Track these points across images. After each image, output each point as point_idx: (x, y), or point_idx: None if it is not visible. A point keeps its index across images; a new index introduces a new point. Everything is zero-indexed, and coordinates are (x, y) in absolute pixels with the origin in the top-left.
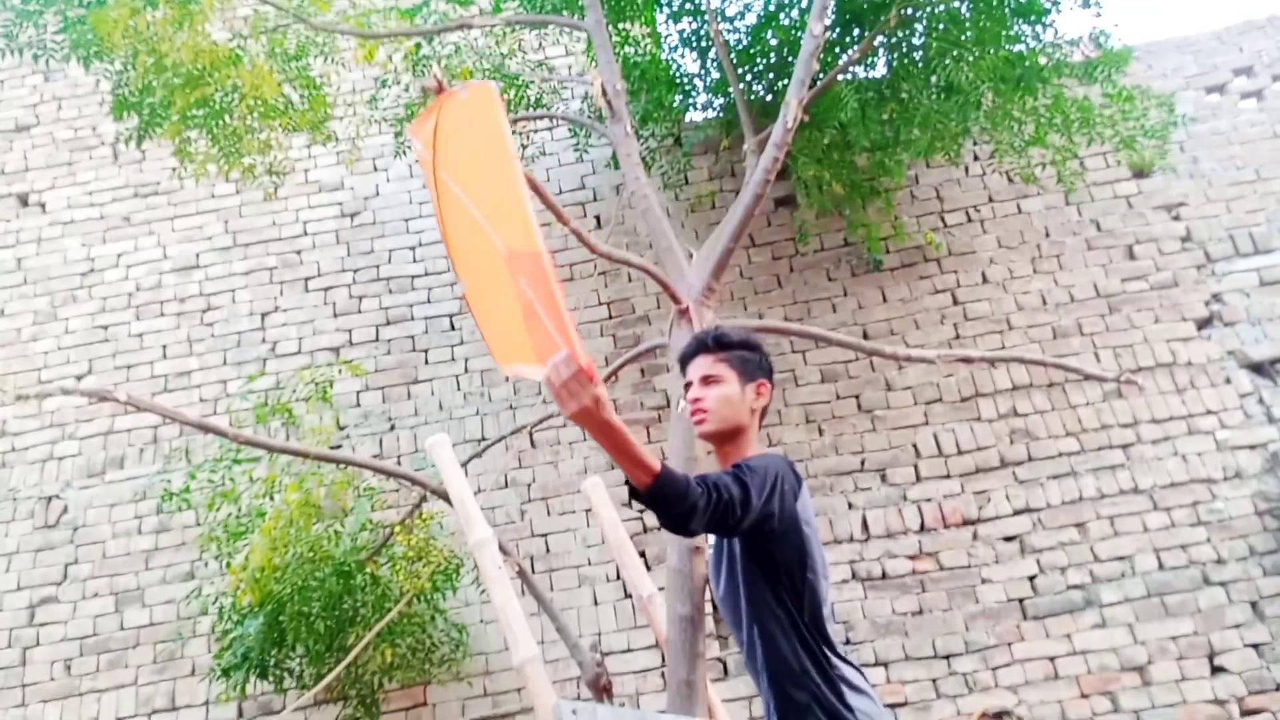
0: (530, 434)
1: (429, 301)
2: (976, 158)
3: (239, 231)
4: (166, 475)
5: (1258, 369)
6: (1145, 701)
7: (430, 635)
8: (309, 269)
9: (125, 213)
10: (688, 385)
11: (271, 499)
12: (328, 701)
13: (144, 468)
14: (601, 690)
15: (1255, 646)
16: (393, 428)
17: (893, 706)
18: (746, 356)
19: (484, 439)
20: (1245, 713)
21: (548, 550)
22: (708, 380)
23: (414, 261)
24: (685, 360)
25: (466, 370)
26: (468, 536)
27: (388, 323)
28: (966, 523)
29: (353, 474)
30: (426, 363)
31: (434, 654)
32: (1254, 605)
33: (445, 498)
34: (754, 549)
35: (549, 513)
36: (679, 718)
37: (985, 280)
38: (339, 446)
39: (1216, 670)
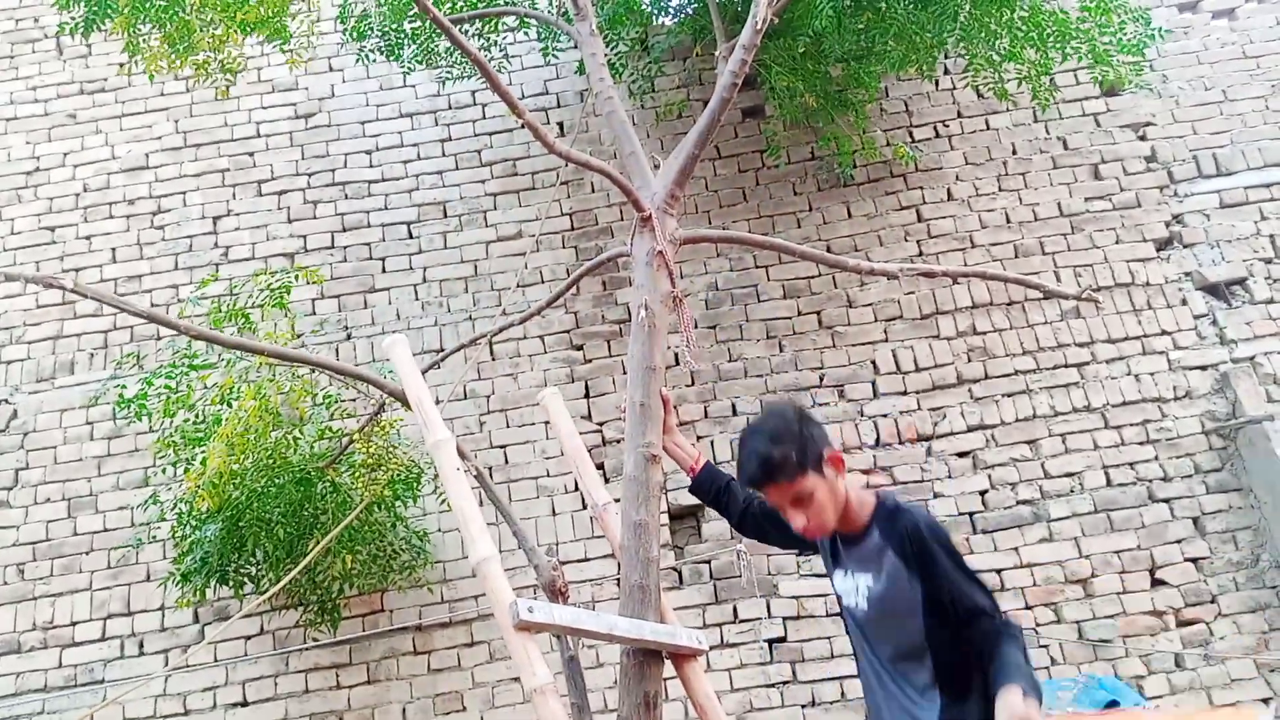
0: (490, 345)
1: (386, 208)
2: (947, 71)
3: (190, 132)
4: (119, 381)
5: (1213, 291)
6: (1087, 613)
7: (390, 543)
8: (262, 172)
9: (71, 110)
10: (777, 506)
11: (229, 405)
12: (287, 607)
13: (95, 373)
14: (557, 594)
15: (1194, 561)
16: (349, 336)
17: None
18: (804, 452)
19: (442, 349)
20: (1181, 623)
21: (506, 461)
22: (798, 503)
23: (370, 166)
24: (756, 486)
25: (425, 280)
26: (426, 437)
27: (344, 229)
28: (921, 438)
29: (310, 381)
30: (384, 271)
31: (394, 561)
32: (1195, 521)
33: (404, 400)
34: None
35: (507, 424)
36: (634, 619)
37: (950, 197)
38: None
39: (1157, 583)
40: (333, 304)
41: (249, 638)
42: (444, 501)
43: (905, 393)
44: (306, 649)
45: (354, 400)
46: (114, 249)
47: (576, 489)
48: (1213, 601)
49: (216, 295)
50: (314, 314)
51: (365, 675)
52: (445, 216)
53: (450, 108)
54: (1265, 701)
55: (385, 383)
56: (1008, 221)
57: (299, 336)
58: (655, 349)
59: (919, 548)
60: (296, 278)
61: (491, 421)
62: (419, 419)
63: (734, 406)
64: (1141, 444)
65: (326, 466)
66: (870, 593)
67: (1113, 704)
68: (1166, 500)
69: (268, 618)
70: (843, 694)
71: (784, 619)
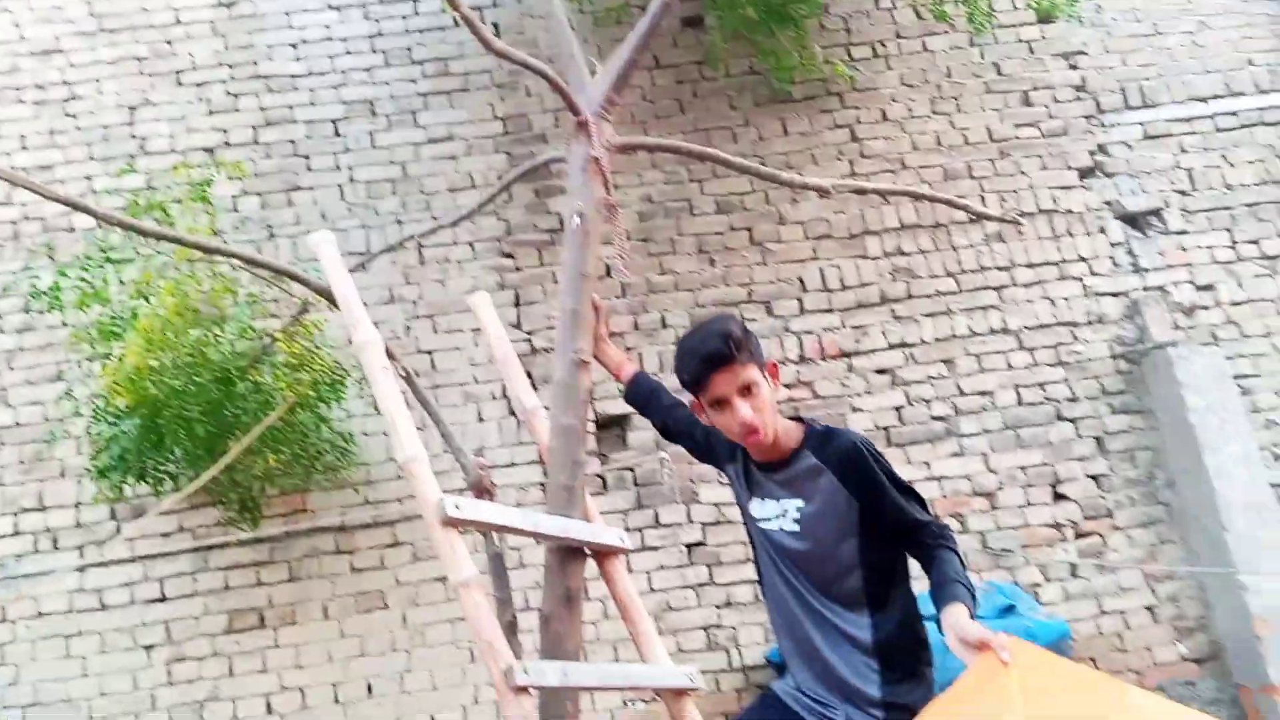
0: (418, 248)
1: (312, 104)
2: None
3: (104, 15)
4: (32, 273)
5: (1131, 220)
6: (991, 524)
7: (314, 444)
8: (181, 61)
9: None
10: (719, 402)
11: (147, 301)
12: (207, 505)
13: (4, 264)
14: (484, 493)
15: (1095, 478)
16: (272, 235)
17: None
18: (755, 345)
19: (369, 253)
20: (1079, 535)
21: (434, 367)
22: (747, 392)
23: (296, 60)
24: (708, 370)
25: (351, 180)
26: (353, 336)
27: (266, 124)
28: (843, 355)
29: (232, 279)
30: (309, 169)
31: (317, 462)
32: (1099, 440)
33: (330, 298)
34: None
35: (435, 330)
36: (560, 517)
37: (885, 118)
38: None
39: (1059, 498)
40: (255, 201)
41: (167, 535)
42: (370, 403)
43: (830, 310)
44: (226, 547)
45: (276, 301)
46: (23, 136)
47: (504, 395)
48: (1109, 516)
49: (134, 188)
50: (235, 211)
51: (287, 573)
52: (373, 115)
53: (381, 1)
54: None
55: (311, 279)
56: (939, 145)
57: (219, 233)
58: (588, 256)
59: (859, 469)
60: (217, 171)
61: (419, 327)
62: (345, 318)
63: (663, 320)
64: (1052, 366)
65: (248, 366)
66: (801, 515)
67: (1009, 609)
68: (1073, 420)
69: (187, 515)
70: (756, 596)
71: (703, 525)
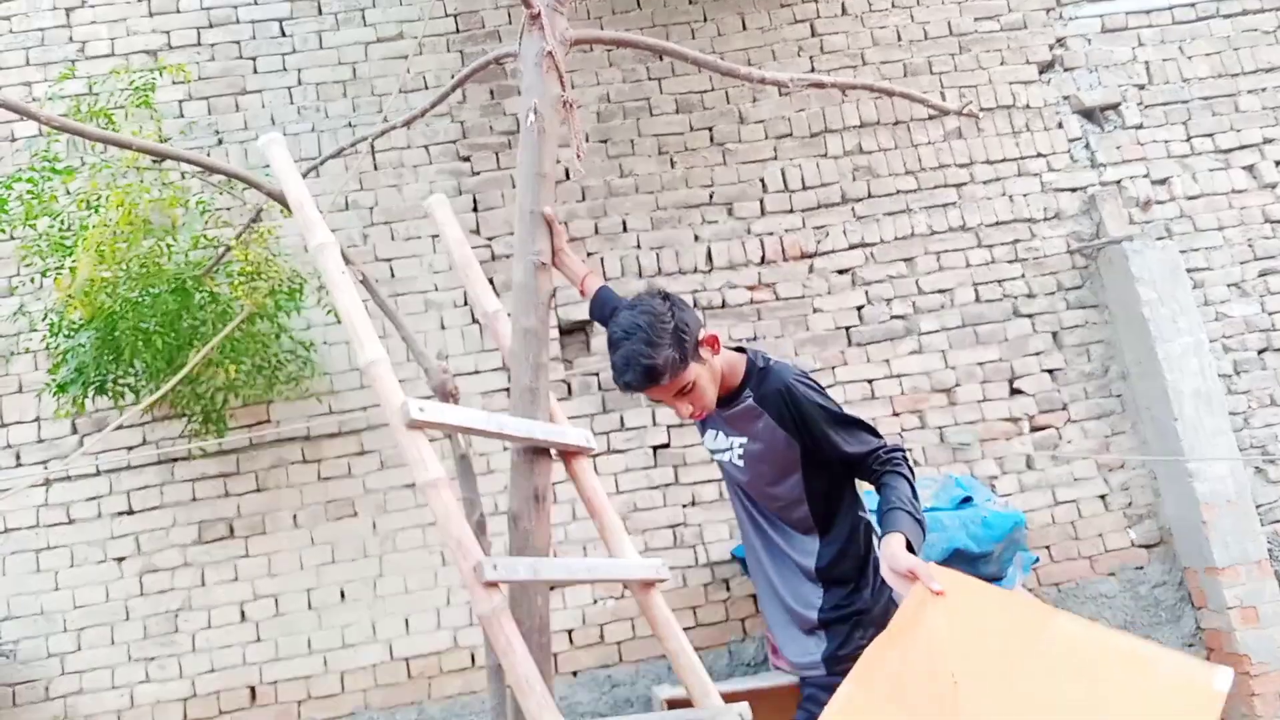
0: (372, 151)
1: (255, 3)
2: None
3: None
4: None
5: (1088, 115)
6: (950, 419)
7: (275, 354)
8: None
9: None
10: (657, 401)
11: (95, 212)
12: (171, 418)
13: None
14: (448, 396)
15: (1050, 372)
16: (220, 141)
17: None
18: (683, 346)
19: (320, 157)
20: (1034, 429)
21: (392, 275)
22: (682, 395)
23: None
24: (633, 391)
25: (300, 83)
26: (308, 241)
27: (210, 25)
28: (804, 256)
29: (182, 188)
30: (255, 72)
31: (279, 372)
32: (1054, 335)
33: (283, 202)
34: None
35: (393, 237)
36: (524, 419)
37: (844, 12)
38: (163, 160)
39: (1015, 392)
40: (201, 106)
41: (131, 448)
42: (330, 312)
43: (791, 211)
44: (192, 459)
45: (229, 209)
46: None
47: (466, 303)
48: (1064, 409)
49: (75, 95)
50: (181, 116)
51: (254, 484)
52: (320, 14)
53: None
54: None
55: (263, 182)
56: (899, 39)
57: (166, 140)
58: (545, 155)
59: (793, 409)
60: (161, 75)
61: (376, 234)
62: (299, 221)
63: (624, 223)
64: (1010, 262)
65: (204, 275)
66: (745, 451)
67: (966, 500)
68: (1029, 316)
69: (150, 428)
70: (720, 494)
71: (668, 427)
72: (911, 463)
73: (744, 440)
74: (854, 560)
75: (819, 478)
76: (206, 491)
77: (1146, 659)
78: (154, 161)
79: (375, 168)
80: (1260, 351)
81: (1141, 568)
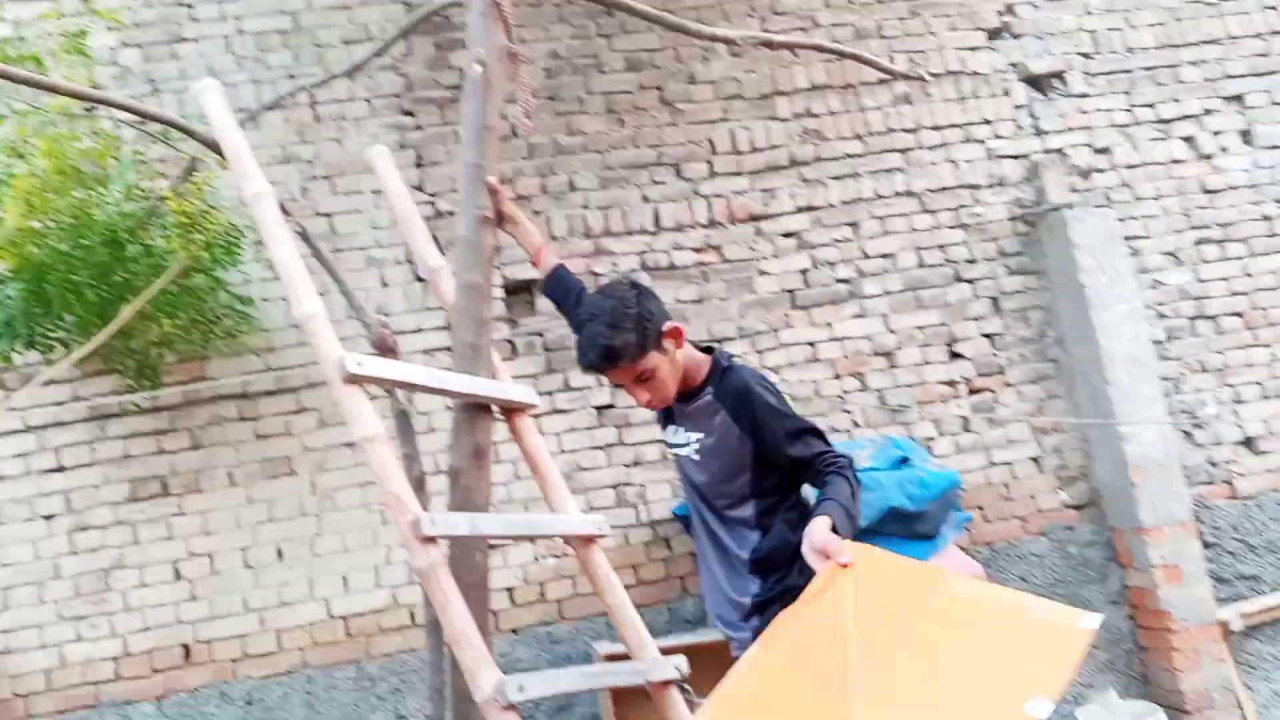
0: (312, 104)
1: None
2: None
3: None
4: None
5: (1034, 83)
6: (890, 381)
7: (211, 308)
8: None
9: None
10: (617, 384)
11: (24, 160)
12: (103, 372)
13: None
14: (388, 353)
15: (989, 336)
16: (155, 90)
17: None
18: (644, 333)
19: (266, 105)
20: (972, 392)
21: (333, 231)
22: (640, 382)
23: None
24: (594, 372)
25: (240, 31)
26: (244, 190)
27: None
28: (752, 218)
29: (114, 137)
30: (192, 19)
31: (215, 327)
32: (994, 301)
33: (218, 151)
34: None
35: (334, 191)
36: (466, 375)
37: None
38: (94, 108)
39: (954, 356)
40: (135, 54)
41: (61, 404)
42: (268, 267)
43: (740, 173)
44: (125, 415)
45: (164, 160)
46: None
47: (409, 260)
48: (1001, 373)
49: (2, 37)
50: (115, 64)
51: (189, 441)
52: None
53: None
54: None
55: (198, 130)
56: (850, 2)
57: (99, 88)
58: (490, 107)
59: (748, 409)
60: (93, 20)
61: (316, 188)
62: (235, 170)
63: (571, 182)
64: (953, 228)
65: (137, 227)
66: (701, 447)
67: (904, 460)
68: (970, 281)
69: (82, 384)
70: (663, 455)
71: (612, 387)
72: (856, 471)
73: (701, 436)
74: (789, 550)
75: (767, 478)
76: (140, 449)
77: (1022, 607)
78: (86, 109)
79: (316, 120)
80: (1192, 319)
81: (1071, 528)
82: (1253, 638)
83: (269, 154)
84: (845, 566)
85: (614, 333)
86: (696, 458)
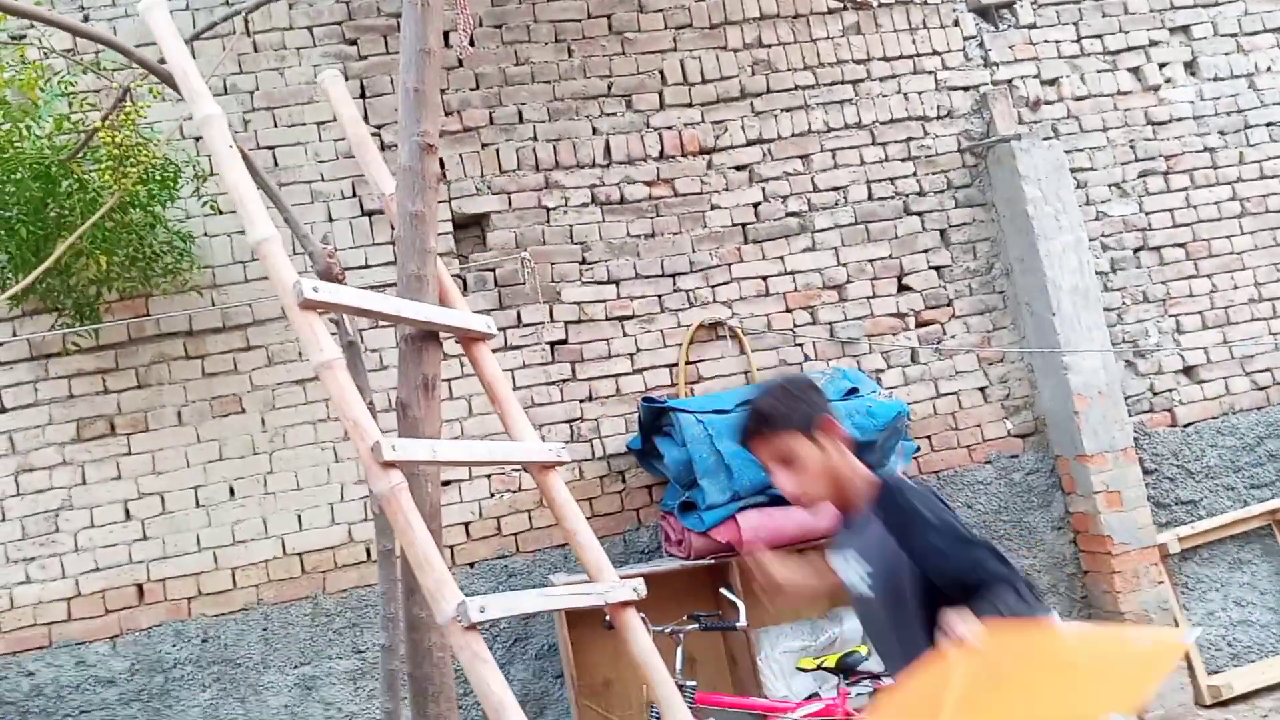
0: (250, 32)
1: None
2: None
3: None
4: None
5: (983, 13)
6: (840, 315)
7: (150, 245)
8: None
9: None
10: (765, 467)
11: None
12: (42, 311)
13: None
14: (334, 281)
15: (937, 269)
16: (86, 19)
17: (621, 320)
18: (793, 410)
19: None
20: (920, 324)
21: (276, 164)
22: (784, 462)
23: None
24: (743, 442)
25: None
26: (194, 112)
27: None
28: (703, 151)
29: (42, 66)
30: None
31: (155, 264)
32: (942, 233)
33: (163, 77)
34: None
35: (276, 123)
36: (422, 303)
37: None
38: (23, 36)
39: (903, 289)
40: None
41: (1, 343)
42: (206, 204)
43: (690, 105)
44: (67, 354)
45: (96, 91)
46: None
47: (355, 194)
48: (949, 305)
49: None
50: None
51: (135, 380)
52: None
53: None
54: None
55: (136, 52)
56: None
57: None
58: (430, 29)
59: (896, 511)
60: None
61: (258, 120)
62: (184, 91)
63: (520, 113)
64: (903, 160)
65: (69, 160)
66: (873, 578)
67: (852, 391)
68: (919, 214)
69: (20, 323)
70: (618, 389)
71: (565, 323)
72: (1032, 588)
73: (870, 569)
74: None
75: (942, 597)
76: (84, 388)
77: (1123, 638)
78: (12, 38)
79: (255, 50)
80: (1136, 250)
81: (1016, 456)
82: (1190, 560)
83: (208, 84)
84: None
85: (764, 398)
86: (870, 593)
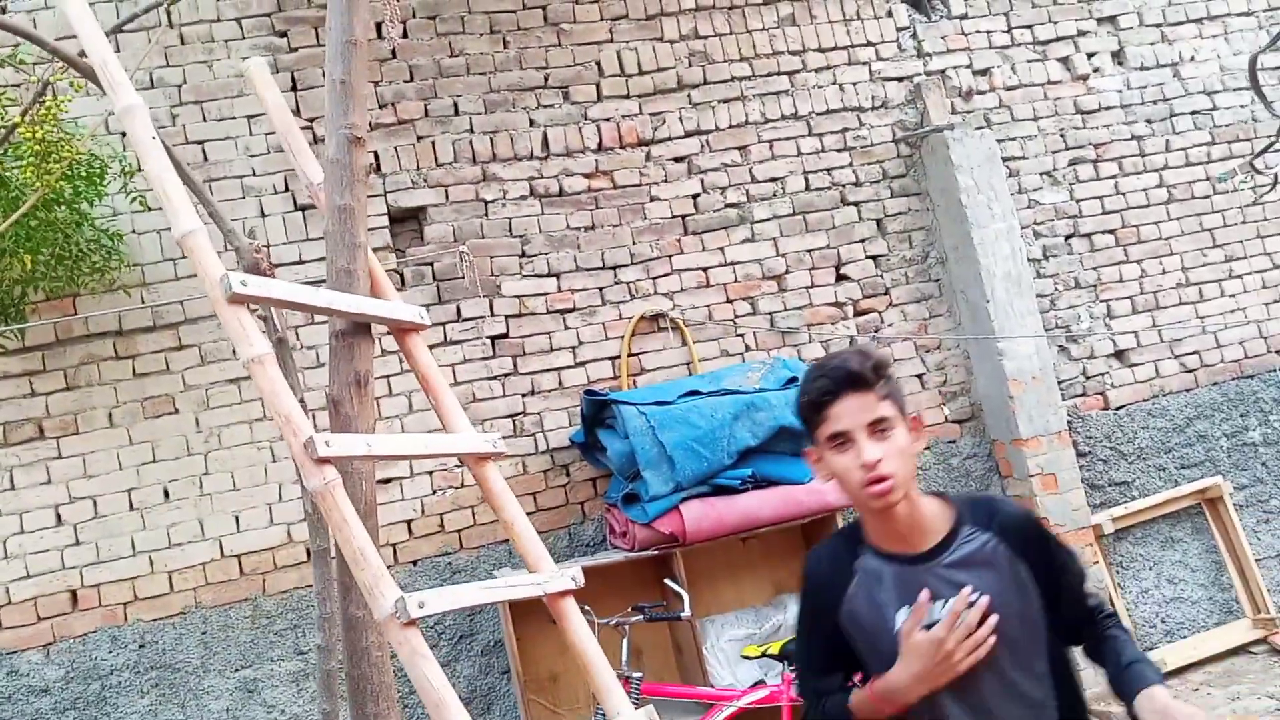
0: (169, 20)
1: None
2: None
3: None
4: None
5: (916, 4)
6: (779, 305)
7: (76, 244)
8: None
9: None
10: (840, 438)
11: None
12: None
13: None
14: (263, 275)
15: (874, 258)
16: (3, 10)
17: (562, 313)
18: (896, 383)
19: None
20: (858, 313)
21: (206, 159)
22: (878, 429)
23: None
24: (835, 391)
25: None
26: (115, 103)
27: None
28: (641, 143)
29: None
30: None
31: (82, 263)
32: (879, 223)
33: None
34: None
35: (204, 117)
36: (354, 295)
37: None
38: None
39: (841, 278)
40: None
41: None
42: (135, 199)
43: (628, 96)
44: None
45: (17, 85)
46: None
47: (287, 188)
48: (886, 293)
49: None
50: None
51: (63, 381)
52: None
53: None
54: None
55: (57, 46)
56: None
57: None
58: (356, 20)
59: (1039, 540)
60: None
61: (186, 114)
62: (104, 81)
63: (456, 106)
64: (839, 151)
65: None
66: (998, 617)
67: (792, 380)
68: (856, 204)
69: None
70: (560, 383)
71: (506, 317)
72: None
73: (977, 590)
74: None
75: (1058, 642)
76: (10, 390)
77: None
78: None
79: (182, 42)
80: (1068, 237)
81: (954, 441)
82: (1124, 540)
83: (135, 79)
84: None
85: (864, 359)
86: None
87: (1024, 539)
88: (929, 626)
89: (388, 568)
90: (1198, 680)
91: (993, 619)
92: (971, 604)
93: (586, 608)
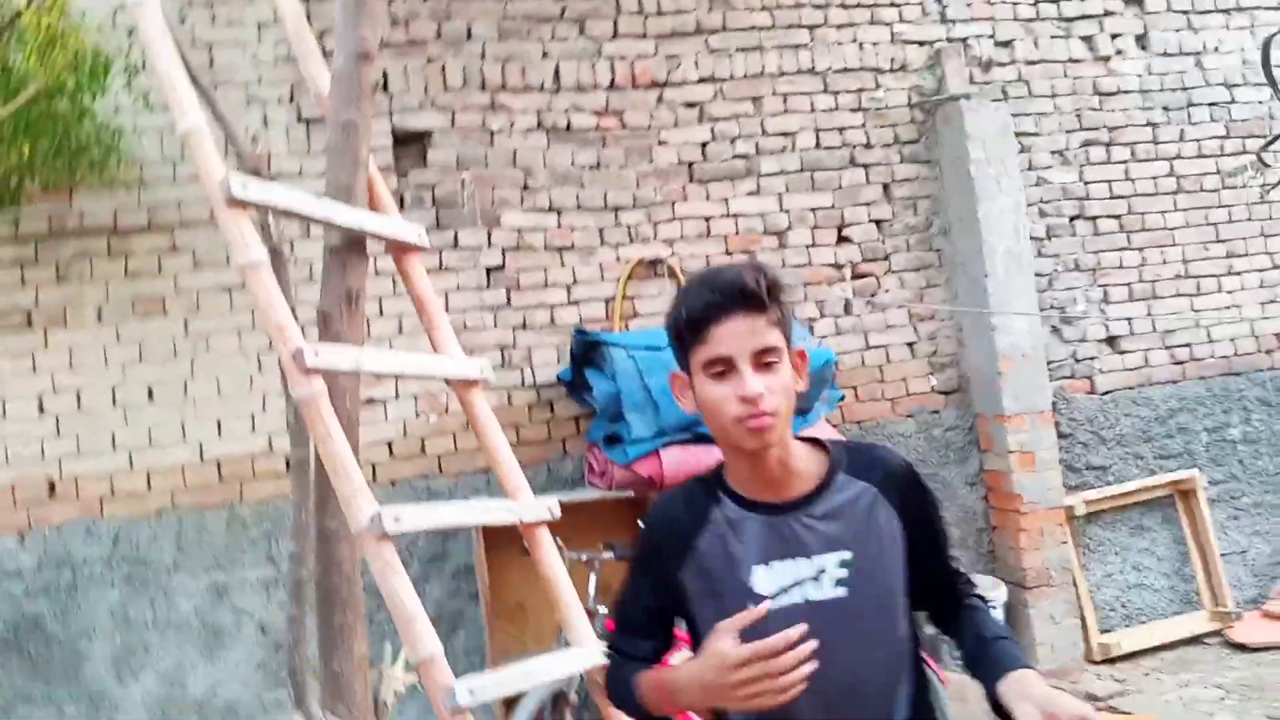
0: None
1: None
2: None
3: None
4: None
5: None
6: (779, 261)
7: (76, 137)
8: None
9: None
10: (719, 365)
11: None
12: None
13: None
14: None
15: (878, 223)
16: None
17: (560, 250)
18: (788, 309)
19: None
20: (856, 276)
21: (212, 64)
22: (764, 360)
23: None
24: (719, 310)
25: None
26: None
27: None
28: (654, 85)
29: None
30: None
31: (81, 156)
32: (886, 187)
33: None
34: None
35: (214, 21)
36: (358, 209)
37: None
38: None
39: (842, 240)
40: None
41: None
42: (137, 99)
43: (645, 36)
44: None
45: None
46: None
47: (293, 99)
48: (886, 259)
49: None
50: None
51: (54, 273)
52: None
53: None
54: None
55: None
56: None
57: None
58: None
59: (918, 494)
60: None
61: (195, 16)
62: None
63: (469, 29)
64: (853, 111)
65: None
66: (856, 569)
67: None
68: (865, 166)
69: None
70: (552, 319)
71: (503, 249)
72: None
73: (846, 555)
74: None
75: (916, 598)
76: (1, 278)
77: None
78: None
79: None
80: (1072, 219)
81: (938, 412)
82: (1094, 523)
83: None
84: None
85: (759, 274)
86: (843, 590)
87: (903, 491)
88: (781, 593)
89: (367, 484)
90: (1150, 666)
91: (810, 666)
92: (801, 641)
93: (557, 540)
